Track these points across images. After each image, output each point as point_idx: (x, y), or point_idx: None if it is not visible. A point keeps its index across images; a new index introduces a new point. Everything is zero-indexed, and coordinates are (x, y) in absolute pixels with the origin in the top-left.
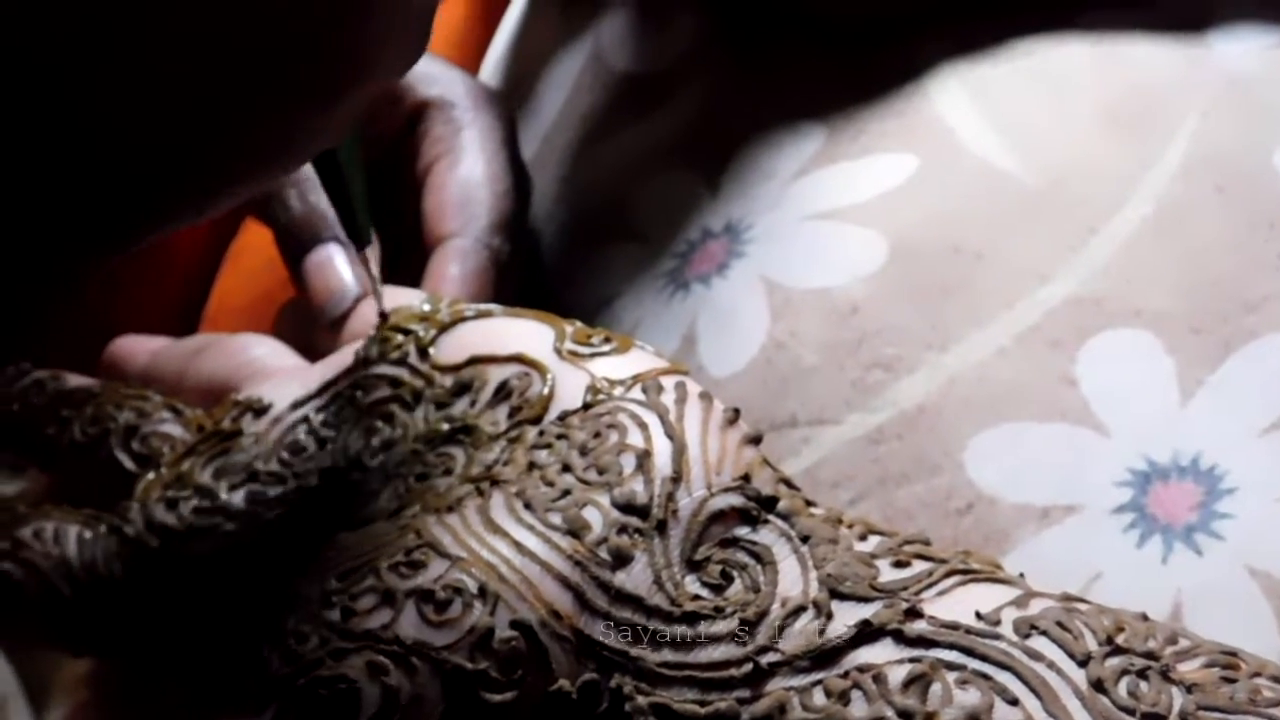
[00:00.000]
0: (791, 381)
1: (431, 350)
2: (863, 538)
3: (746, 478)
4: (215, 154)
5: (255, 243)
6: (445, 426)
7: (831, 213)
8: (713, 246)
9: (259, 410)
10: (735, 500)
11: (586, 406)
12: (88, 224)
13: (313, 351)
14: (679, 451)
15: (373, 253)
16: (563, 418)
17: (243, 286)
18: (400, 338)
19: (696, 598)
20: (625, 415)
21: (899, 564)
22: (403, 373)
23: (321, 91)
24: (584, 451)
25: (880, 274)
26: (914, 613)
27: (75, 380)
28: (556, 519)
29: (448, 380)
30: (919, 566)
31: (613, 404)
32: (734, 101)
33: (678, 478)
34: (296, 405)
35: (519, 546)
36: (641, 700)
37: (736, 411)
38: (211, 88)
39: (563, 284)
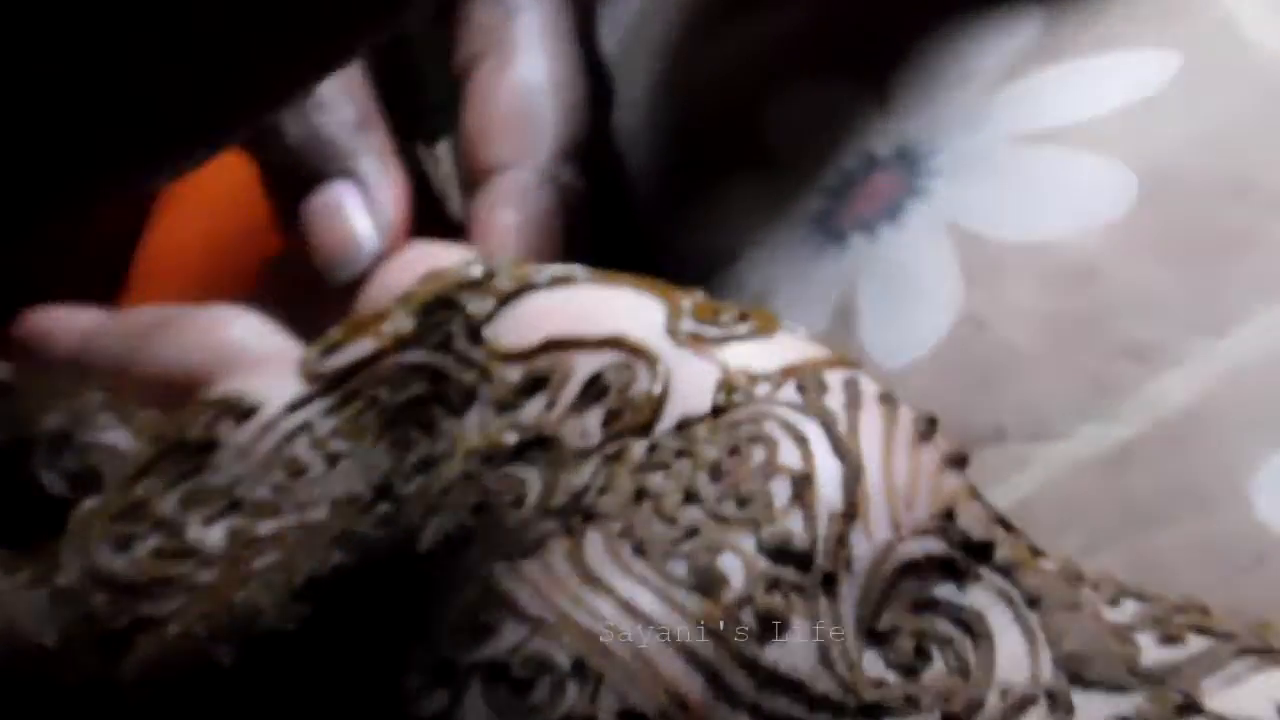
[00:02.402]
0: (997, 377)
1: (488, 331)
2: (1113, 602)
3: (949, 515)
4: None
5: (212, 169)
6: (512, 438)
7: (1054, 133)
8: (880, 181)
9: (242, 413)
10: (934, 547)
11: (718, 411)
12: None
13: (313, 329)
14: (853, 476)
15: (444, 150)
16: (683, 427)
17: (193, 231)
18: (444, 313)
19: (880, 683)
20: (775, 424)
21: (1167, 639)
22: (448, 362)
23: None
24: (716, 474)
25: (1126, 222)
26: (1191, 707)
27: None
28: (680, 569)
29: (513, 373)
30: (1196, 644)
31: (756, 408)
32: None
33: (851, 513)
34: (295, 407)
35: (628, 607)
36: None
37: (932, 421)
38: None
39: (660, 234)
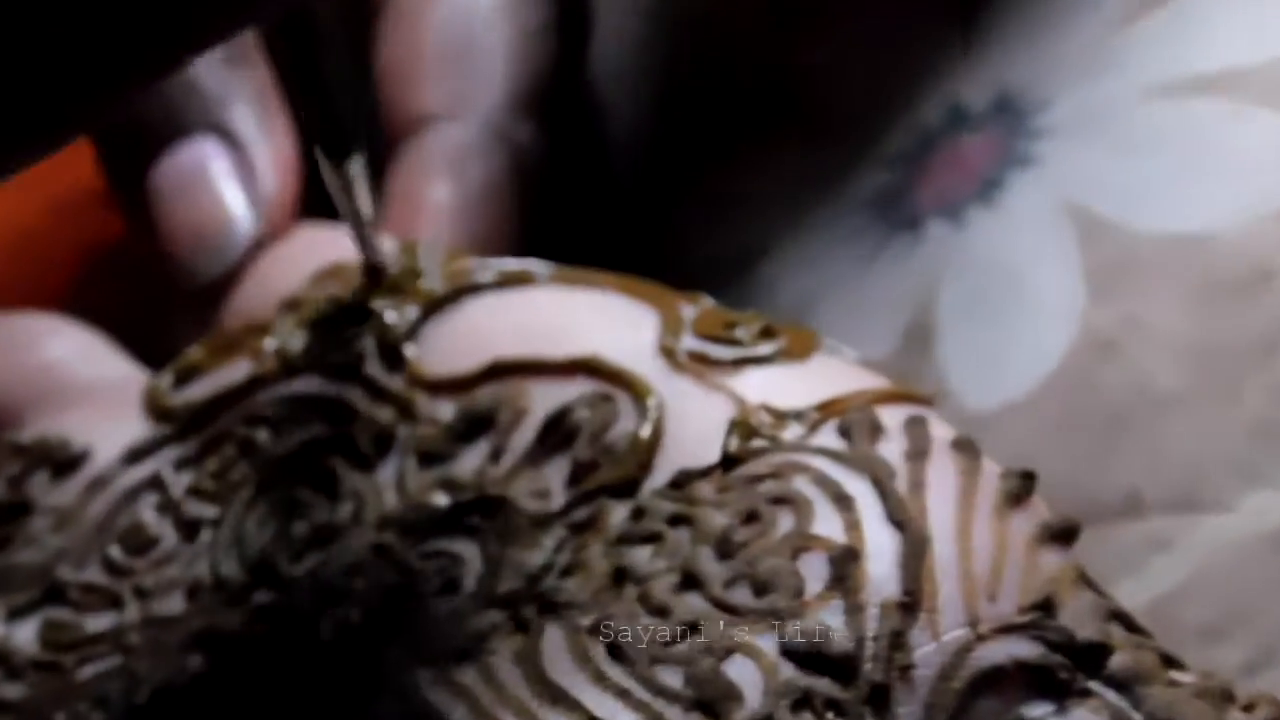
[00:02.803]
0: (1130, 425)
1: (411, 350)
2: None
3: (1048, 606)
4: None
5: None
6: (443, 500)
7: (1208, 81)
8: (969, 145)
9: (62, 464)
10: (1025, 650)
11: (729, 462)
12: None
13: (163, 348)
14: (915, 553)
15: (358, 168)
16: (681, 484)
17: None
18: (348, 326)
19: None
20: (807, 480)
21: None
22: (355, 394)
23: None
24: (726, 549)
25: None
26: None
27: None
28: (673, 679)
29: (445, 410)
30: None
31: (782, 458)
32: None
33: (912, 604)
34: (136, 456)
35: None
36: None
37: (1028, 477)
38: None
39: (654, 220)
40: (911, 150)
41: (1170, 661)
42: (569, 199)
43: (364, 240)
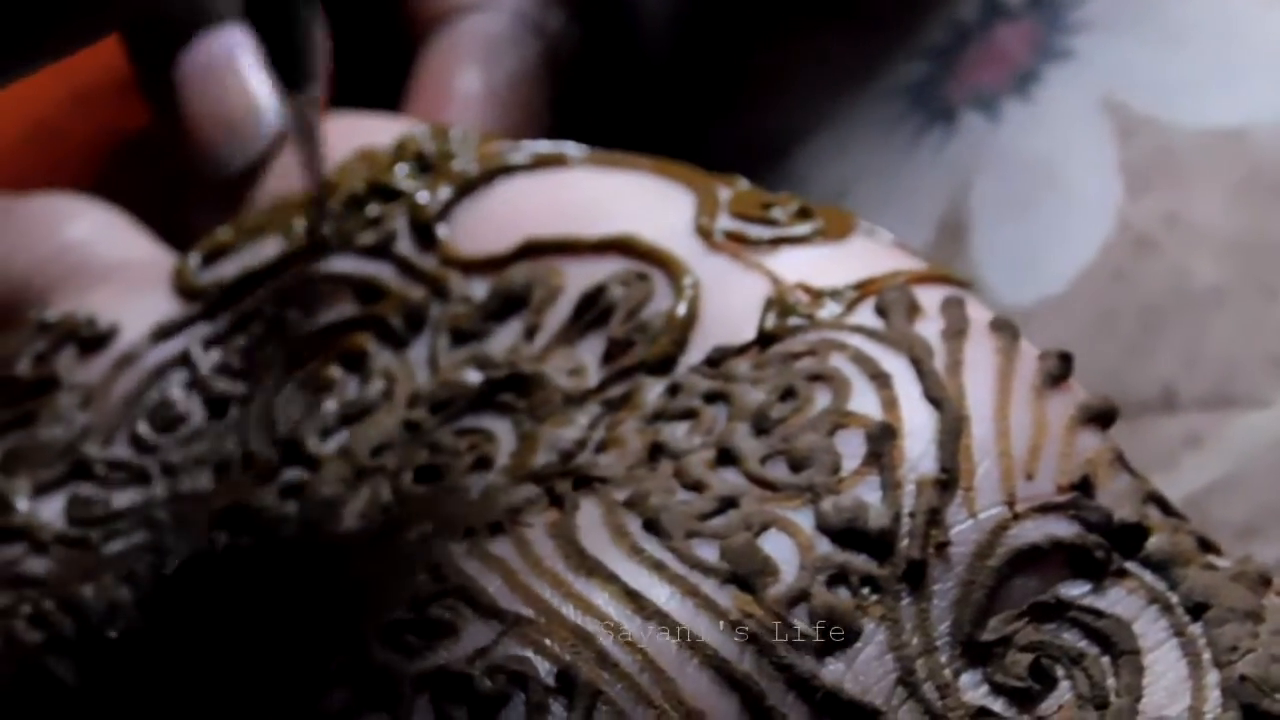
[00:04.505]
0: (1167, 321)
1: (443, 230)
2: None
3: (1086, 486)
4: None
5: None
6: (475, 377)
7: None
8: (1006, 36)
9: (89, 341)
10: (1063, 529)
11: (766, 340)
12: None
13: (189, 231)
14: (952, 430)
15: (313, 97)
16: (717, 361)
17: (7, 97)
18: (381, 205)
19: (984, 713)
20: (845, 358)
21: None
22: (386, 272)
23: None
24: (762, 425)
25: None
26: None
27: None
28: (709, 553)
29: (478, 288)
30: None
31: (819, 335)
32: None
33: (950, 481)
34: (165, 333)
35: (636, 601)
36: None
37: (1066, 358)
38: None
39: (689, 109)
40: (947, 43)
41: (1207, 545)
42: (602, 87)
43: (314, 172)
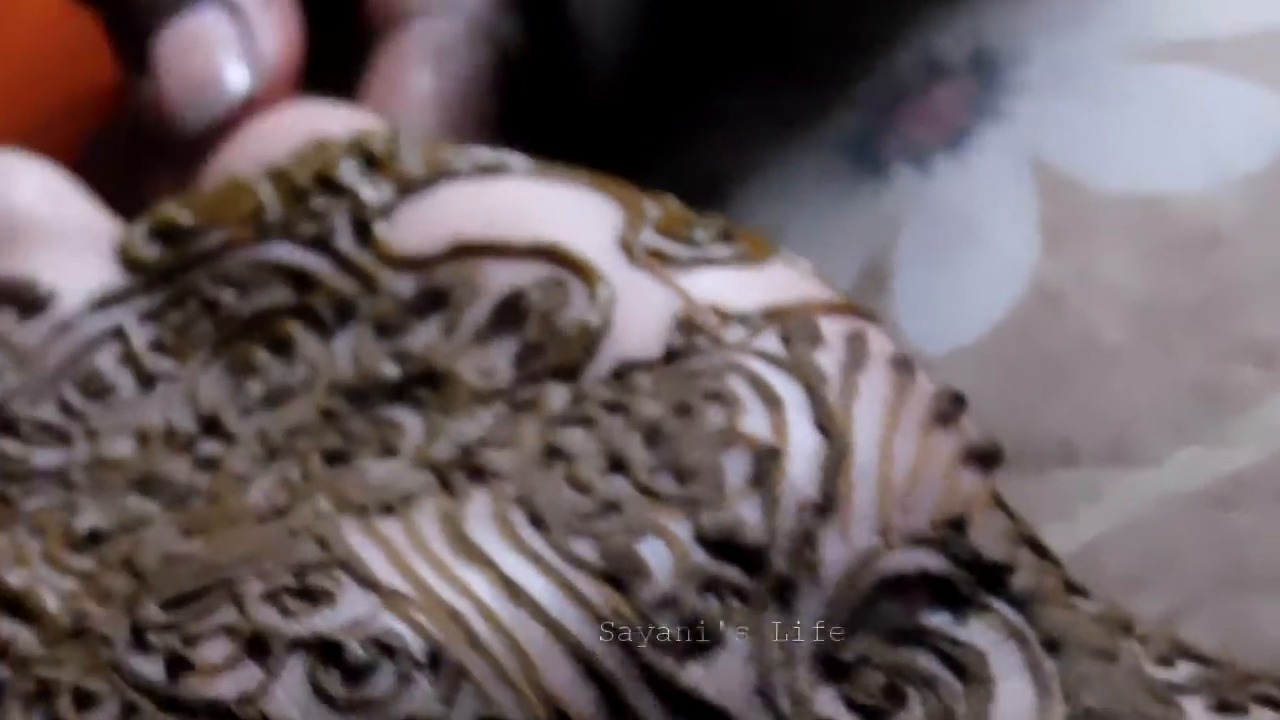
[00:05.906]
0: (1070, 376)
1: (382, 228)
2: (1165, 661)
3: (959, 524)
4: None
5: None
6: (392, 371)
7: (1182, 49)
8: (942, 95)
9: (27, 304)
10: (931, 562)
11: (671, 356)
12: None
13: (140, 196)
14: (836, 458)
15: None
16: (622, 373)
17: None
18: (325, 198)
19: None
20: (742, 380)
21: (1223, 708)
22: (323, 264)
23: None
24: (654, 438)
25: (1271, 175)
26: None
27: None
28: (587, 550)
29: (405, 284)
30: (1261, 718)
31: (721, 356)
32: None
33: (827, 506)
34: (103, 304)
35: (510, 587)
36: None
37: (958, 400)
38: None
39: (636, 136)
40: (886, 98)
41: (1074, 589)
42: (549, 100)
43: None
